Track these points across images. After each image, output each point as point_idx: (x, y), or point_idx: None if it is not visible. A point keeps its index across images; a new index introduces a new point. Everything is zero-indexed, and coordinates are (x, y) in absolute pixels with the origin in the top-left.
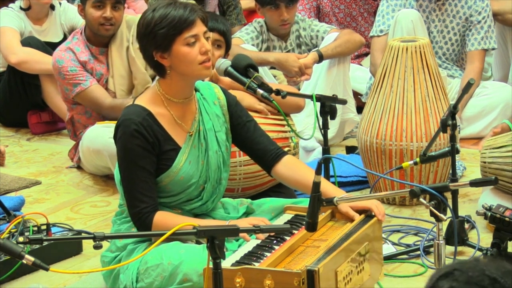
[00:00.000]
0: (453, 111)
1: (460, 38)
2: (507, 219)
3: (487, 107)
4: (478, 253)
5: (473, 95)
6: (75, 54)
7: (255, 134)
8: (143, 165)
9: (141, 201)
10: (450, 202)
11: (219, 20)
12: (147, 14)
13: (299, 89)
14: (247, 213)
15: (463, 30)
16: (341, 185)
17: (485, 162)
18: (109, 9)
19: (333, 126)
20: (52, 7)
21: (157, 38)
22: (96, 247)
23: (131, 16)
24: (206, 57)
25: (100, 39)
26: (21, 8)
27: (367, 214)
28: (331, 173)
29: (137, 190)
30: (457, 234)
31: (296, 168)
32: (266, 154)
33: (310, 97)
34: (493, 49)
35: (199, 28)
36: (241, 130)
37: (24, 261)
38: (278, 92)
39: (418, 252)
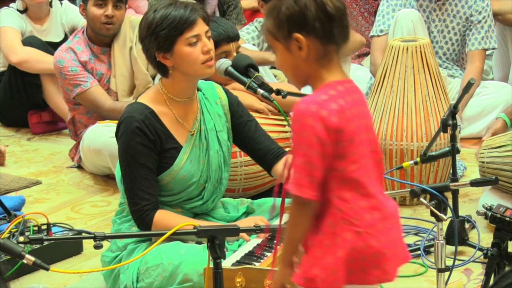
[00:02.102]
0: (453, 111)
1: (460, 38)
2: (507, 219)
3: (488, 107)
4: (479, 253)
5: (474, 95)
6: (76, 54)
7: (256, 133)
8: (145, 162)
9: (142, 199)
10: (450, 202)
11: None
12: (149, 15)
13: (299, 90)
14: (247, 213)
15: (464, 30)
16: None
17: (483, 162)
18: (110, 7)
19: None
20: (50, 4)
21: (159, 39)
22: (97, 247)
23: (134, 17)
24: (209, 56)
25: (102, 38)
26: (18, 10)
27: None
28: None
29: (138, 188)
30: (457, 234)
31: None
32: (267, 153)
33: None
34: (494, 48)
35: (201, 27)
36: (242, 130)
37: (24, 261)
38: (278, 92)
39: (419, 252)
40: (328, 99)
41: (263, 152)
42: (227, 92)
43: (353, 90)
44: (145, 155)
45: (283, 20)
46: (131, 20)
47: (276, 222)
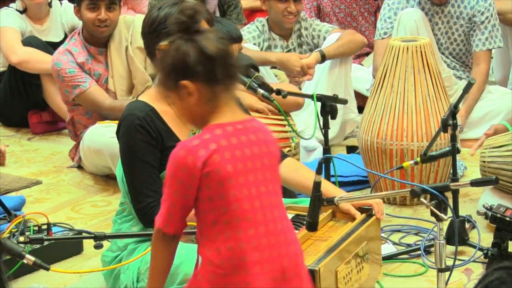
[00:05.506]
0: (453, 111)
1: (465, 38)
2: (507, 219)
3: (490, 113)
4: (479, 253)
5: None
6: (73, 55)
7: None
8: (147, 159)
9: (147, 196)
10: (450, 202)
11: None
12: (153, 12)
13: (300, 89)
14: None
15: (468, 31)
16: (341, 184)
17: (484, 162)
18: (103, 10)
19: (334, 126)
20: (50, 5)
21: (160, 37)
22: (97, 247)
23: (129, 16)
24: None
25: (97, 39)
26: (17, 10)
27: (368, 214)
28: (332, 172)
29: (142, 185)
30: (457, 234)
31: (296, 170)
32: None
33: (311, 96)
34: (499, 47)
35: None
36: None
37: (24, 261)
38: (278, 92)
39: (419, 252)
40: (199, 145)
41: None
42: None
43: (243, 131)
44: (148, 152)
45: (169, 70)
46: (126, 20)
47: None
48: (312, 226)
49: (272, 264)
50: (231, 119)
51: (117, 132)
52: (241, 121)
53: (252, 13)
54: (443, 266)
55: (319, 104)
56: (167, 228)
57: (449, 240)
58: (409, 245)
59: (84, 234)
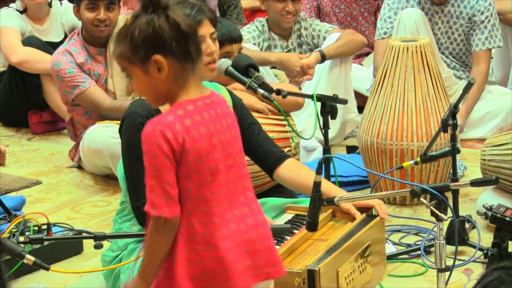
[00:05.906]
0: (453, 111)
1: (465, 38)
2: (507, 219)
3: (490, 113)
4: (479, 253)
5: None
6: (72, 55)
7: (259, 136)
8: None
9: (145, 195)
10: (450, 202)
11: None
12: None
13: (300, 89)
14: None
15: (467, 30)
16: (341, 184)
17: (484, 160)
18: (102, 10)
19: (334, 126)
20: (50, 5)
21: None
22: (97, 247)
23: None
24: (211, 59)
25: (97, 39)
26: (17, 10)
27: (368, 214)
28: (332, 172)
29: (141, 184)
30: (457, 234)
31: (298, 170)
32: (269, 156)
33: (311, 96)
34: (499, 47)
35: (206, 29)
36: (246, 132)
37: (24, 261)
38: (278, 92)
39: (419, 252)
40: (174, 120)
41: (265, 156)
42: (231, 94)
43: (211, 105)
44: None
45: (138, 43)
46: (127, 20)
47: (277, 222)
48: (312, 226)
49: (240, 236)
50: (199, 94)
51: (120, 130)
52: (208, 95)
53: (252, 13)
54: (443, 266)
55: (319, 104)
56: (167, 212)
57: (449, 240)
58: (409, 245)
59: (84, 234)
